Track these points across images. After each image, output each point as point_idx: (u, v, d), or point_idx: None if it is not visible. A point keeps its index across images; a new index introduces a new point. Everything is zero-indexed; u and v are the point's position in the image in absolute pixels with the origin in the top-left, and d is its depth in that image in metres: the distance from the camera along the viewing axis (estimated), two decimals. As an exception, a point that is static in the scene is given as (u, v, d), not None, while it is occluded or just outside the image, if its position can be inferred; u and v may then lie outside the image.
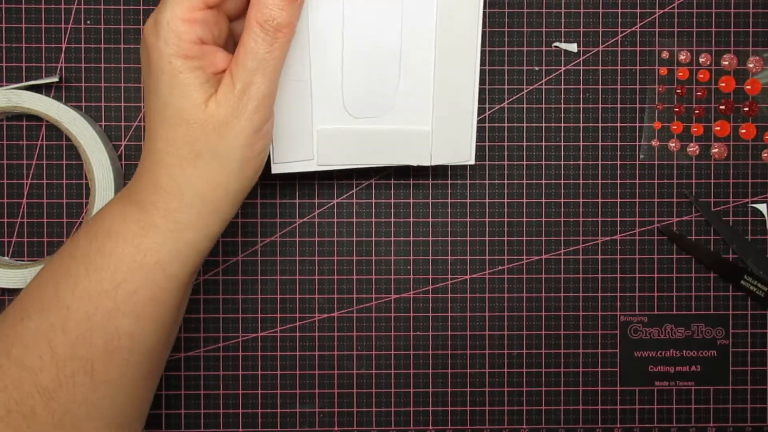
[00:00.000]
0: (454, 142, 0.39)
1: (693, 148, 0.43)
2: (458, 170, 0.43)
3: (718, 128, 0.43)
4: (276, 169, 0.37)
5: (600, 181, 0.43)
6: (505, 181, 0.43)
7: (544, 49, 0.43)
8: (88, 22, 0.43)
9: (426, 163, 0.39)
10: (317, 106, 0.37)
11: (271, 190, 0.43)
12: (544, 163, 0.43)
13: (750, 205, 0.43)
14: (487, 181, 0.43)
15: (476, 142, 0.43)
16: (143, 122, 0.34)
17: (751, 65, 0.43)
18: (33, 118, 0.43)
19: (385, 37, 0.36)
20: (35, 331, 0.32)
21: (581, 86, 0.43)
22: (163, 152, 0.32)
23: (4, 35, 0.42)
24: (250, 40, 0.31)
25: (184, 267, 0.33)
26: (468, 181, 0.43)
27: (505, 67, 0.43)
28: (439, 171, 0.43)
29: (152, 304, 0.33)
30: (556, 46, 0.43)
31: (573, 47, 0.43)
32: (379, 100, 0.37)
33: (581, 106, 0.43)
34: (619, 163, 0.43)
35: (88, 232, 0.33)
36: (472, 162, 0.39)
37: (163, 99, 0.32)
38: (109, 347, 0.32)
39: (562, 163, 0.43)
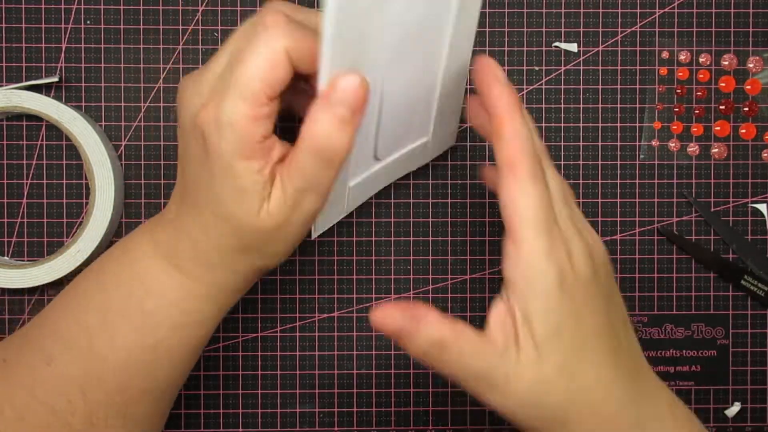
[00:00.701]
0: (443, 138, 0.41)
1: (693, 148, 0.43)
2: (458, 170, 0.43)
3: (718, 128, 0.43)
4: (316, 236, 0.39)
5: (600, 181, 0.43)
6: (505, 181, 0.43)
7: (544, 49, 0.43)
8: (88, 22, 0.43)
9: (422, 164, 0.41)
10: (353, 166, 0.35)
11: (271, 190, 0.43)
12: (544, 163, 0.43)
13: (750, 205, 0.43)
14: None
15: (477, 142, 0.43)
16: (175, 173, 0.33)
17: (751, 65, 0.43)
18: (33, 118, 0.43)
19: (423, 80, 0.34)
20: (65, 378, 0.32)
21: (581, 86, 0.43)
22: (215, 233, 0.31)
23: (4, 35, 0.42)
24: (306, 162, 0.29)
25: (219, 321, 0.35)
26: (468, 181, 0.43)
27: (505, 67, 0.43)
28: (440, 171, 0.43)
29: (189, 354, 0.34)
30: (556, 46, 0.43)
31: (573, 47, 0.43)
32: (407, 138, 0.37)
33: (581, 106, 0.43)
34: (619, 163, 0.43)
35: (119, 280, 0.33)
36: (453, 143, 0.42)
37: (216, 195, 0.30)
38: (146, 393, 0.33)
39: (562, 163, 0.43)
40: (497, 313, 0.30)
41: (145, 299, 0.32)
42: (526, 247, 0.29)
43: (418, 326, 0.29)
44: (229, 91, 0.28)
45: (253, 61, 0.28)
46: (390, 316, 0.29)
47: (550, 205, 0.30)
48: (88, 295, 0.33)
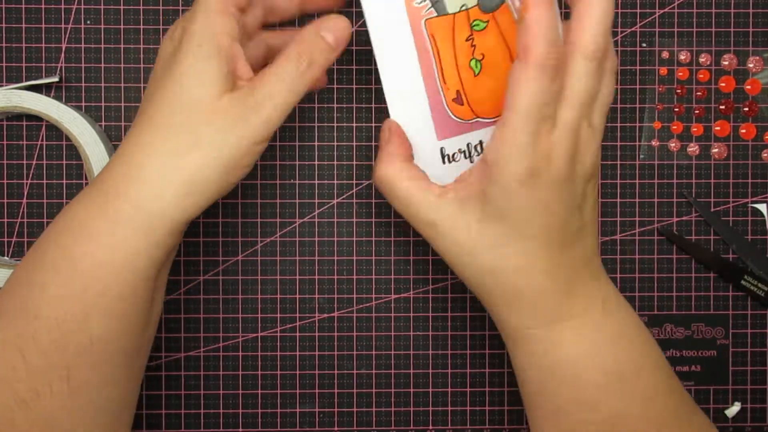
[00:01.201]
0: None
1: (693, 148, 0.43)
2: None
3: (718, 128, 0.43)
4: None
5: (600, 181, 0.43)
6: (505, 181, 0.43)
7: (544, 49, 0.43)
8: (88, 22, 0.43)
9: None
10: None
11: (272, 190, 0.43)
12: (544, 163, 0.43)
13: (750, 205, 0.43)
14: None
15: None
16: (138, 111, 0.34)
17: (751, 65, 0.43)
18: (33, 118, 0.43)
19: None
20: (5, 341, 0.31)
21: (581, 86, 0.43)
22: (159, 138, 0.32)
23: (4, 35, 0.42)
24: (288, 64, 0.33)
25: (151, 262, 0.33)
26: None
27: (505, 67, 0.43)
28: (439, 171, 0.43)
29: (122, 302, 0.33)
30: None
31: None
32: None
33: (581, 106, 0.43)
34: (619, 163, 0.43)
35: (50, 235, 0.33)
36: None
37: (178, 83, 0.32)
38: (83, 351, 0.32)
39: (562, 163, 0.43)
40: (461, 179, 0.34)
41: (72, 244, 0.32)
42: (509, 133, 0.31)
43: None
44: None
45: None
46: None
47: (549, 100, 0.31)
48: (25, 258, 0.33)
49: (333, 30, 0.34)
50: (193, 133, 0.32)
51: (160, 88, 0.33)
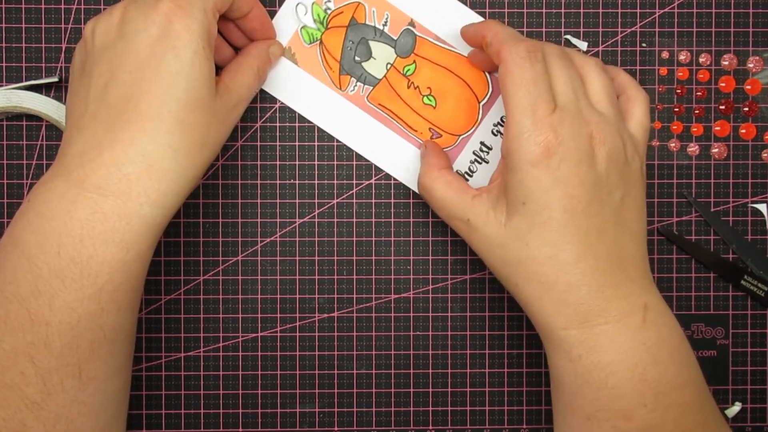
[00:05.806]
0: None
1: (693, 148, 0.43)
2: (458, 170, 0.43)
3: (718, 128, 0.43)
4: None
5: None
6: (505, 181, 0.43)
7: (544, 49, 0.43)
8: (88, 22, 0.43)
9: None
10: None
11: (272, 190, 0.43)
12: (544, 163, 0.43)
13: (750, 205, 0.43)
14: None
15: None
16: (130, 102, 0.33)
17: (751, 65, 0.43)
18: (33, 118, 0.43)
19: None
20: (11, 352, 0.31)
21: (581, 86, 0.43)
22: (174, 134, 0.33)
23: (4, 35, 0.42)
24: (251, 76, 0.38)
25: (153, 249, 0.34)
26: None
27: (505, 67, 0.43)
28: (439, 171, 0.43)
29: (132, 294, 0.33)
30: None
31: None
32: None
33: (581, 106, 0.43)
34: (619, 163, 0.43)
35: (46, 245, 0.31)
36: None
37: (186, 80, 0.33)
38: (96, 346, 0.32)
39: (562, 163, 0.43)
40: (492, 180, 0.38)
41: (80, 248, 0.31)
42: (511, 122, 0.34)
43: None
44: None
45: None
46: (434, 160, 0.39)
47: (534, 81, 0.33)
48: (15, 271, 0.32)
49: (278, 53, 0.41)
50: (205, 130, 0.34)
51: (167, 80, 0.32)
